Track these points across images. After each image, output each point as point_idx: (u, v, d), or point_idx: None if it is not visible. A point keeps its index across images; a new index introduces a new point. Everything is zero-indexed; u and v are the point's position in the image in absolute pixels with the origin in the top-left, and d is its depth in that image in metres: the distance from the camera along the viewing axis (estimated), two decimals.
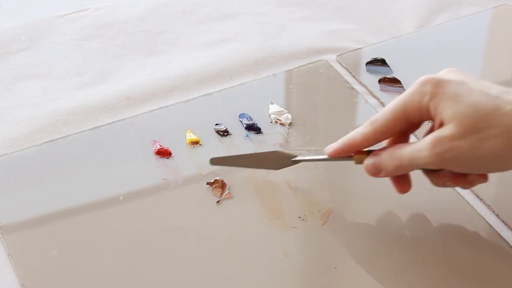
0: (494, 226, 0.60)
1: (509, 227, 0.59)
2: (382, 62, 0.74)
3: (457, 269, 0.56)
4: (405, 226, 0.59)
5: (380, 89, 0.72)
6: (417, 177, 0.61)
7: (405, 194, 0.59)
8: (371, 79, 0.72)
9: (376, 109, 0.69)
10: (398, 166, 0.55)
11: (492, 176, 0.62)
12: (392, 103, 0.55)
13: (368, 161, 0.56)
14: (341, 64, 0.74)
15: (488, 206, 0.61)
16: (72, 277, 0.55)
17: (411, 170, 0.56)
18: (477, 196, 0.62)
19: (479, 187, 0.61)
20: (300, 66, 0.74)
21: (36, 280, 0.55)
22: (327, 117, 0.69)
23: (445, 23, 0.80)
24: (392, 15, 0.81)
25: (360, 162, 0.57)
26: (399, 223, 0.59)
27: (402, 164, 0.54)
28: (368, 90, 0.72)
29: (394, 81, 0.72)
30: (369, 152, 0.57)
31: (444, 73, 0.55)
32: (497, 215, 0.60)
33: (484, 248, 0.58)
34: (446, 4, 0.82)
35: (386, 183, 0.59)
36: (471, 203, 0.61)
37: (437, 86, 0.53)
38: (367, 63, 0.74)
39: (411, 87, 0.54)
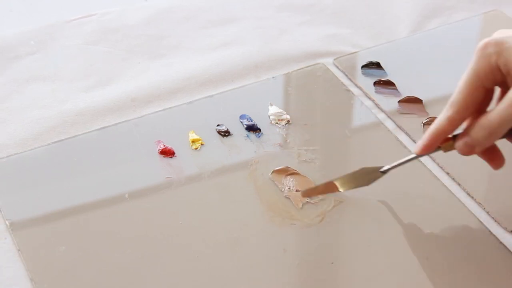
0: (485, 223, 0.60)
1: (499, 224, 0.60)
2: (377, 65, 0.74)
3: (449, 264, 0.57)
4: (399, 223, 0.60)
5: (375, 91, 0.72)
6: (412, 177, 0.63)
7: (399, 193, 0.60)
8: (367, 82, 0.73)
9: (371, 111, 0.70)
10: (490, 133, 0.53)
11: (483, 174, 0.63)
12: (464, 77, 0.55)
13: (459, 142, 0.55)
14: (338, 67, 0.74)
15: (479, 204, 0.61)
16: (79, 272, 0.56)
17: (503, 133, 0.54)
18: (468, 194, 0.62)
19: (472, 186, 0.62)
20: (298, 69, 0.74)
21: (44, 275, 0.55)
22: (324, 118, 0.69)
23: (438, 28, 0.80)
24: (387, 20, 0.81)
25: (448, 149, 0.57)
26: (393, 220, 0.60)
27: (492, 128, 0.53)
28: (363, 92, 0.72)
29: (389, 84, 0.72)
30: (454, 138, 0.56)
31: (497, 34, 0.55)
32: (488, 212, 0.61)
33: (475, 244, 0.58)
34: (439, 10, 0.82)
35: (384, 183, 0.59)
36: (462, 201, 0.61)
37: (498, 45, 0.53)
38: (362, 66, 0.74)
39: (475, 55, 0.54)
